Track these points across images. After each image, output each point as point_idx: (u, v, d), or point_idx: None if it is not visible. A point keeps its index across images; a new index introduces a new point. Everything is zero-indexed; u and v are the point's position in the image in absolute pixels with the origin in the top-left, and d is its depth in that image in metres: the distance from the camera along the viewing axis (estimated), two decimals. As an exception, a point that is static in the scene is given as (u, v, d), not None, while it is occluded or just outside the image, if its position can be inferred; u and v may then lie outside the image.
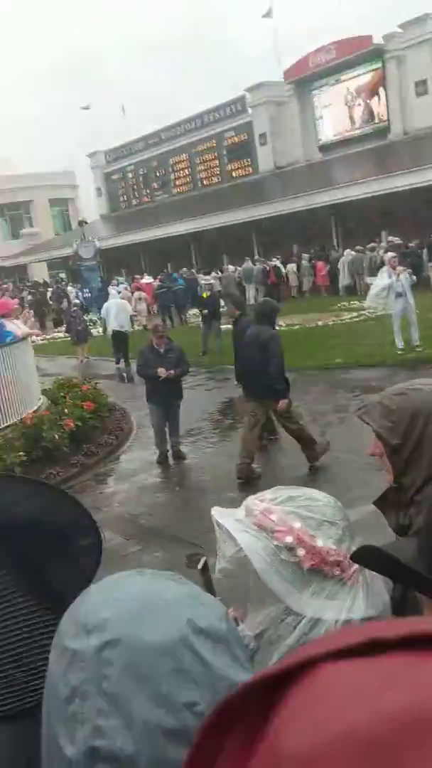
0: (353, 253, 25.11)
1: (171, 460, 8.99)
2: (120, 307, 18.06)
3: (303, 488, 1.63)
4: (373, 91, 31.98)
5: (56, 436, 9.09)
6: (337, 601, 1.52)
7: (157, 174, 44.89)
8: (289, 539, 1.50)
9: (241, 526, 1.54)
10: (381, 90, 31.46)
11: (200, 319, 17.81)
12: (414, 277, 14.35)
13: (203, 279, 20.10)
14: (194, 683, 0.68)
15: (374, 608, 1.57)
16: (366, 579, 1.58)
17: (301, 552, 1.50)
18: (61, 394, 11.20)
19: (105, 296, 29.18)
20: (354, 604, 1.54)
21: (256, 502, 1.59)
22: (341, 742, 0.33)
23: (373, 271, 21.89)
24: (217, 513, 1.60)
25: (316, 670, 0.38)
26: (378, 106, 31.98)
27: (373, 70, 31.59)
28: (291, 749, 0.35)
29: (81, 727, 0.68)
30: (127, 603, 0.73)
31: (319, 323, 19.29)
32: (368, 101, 32.38)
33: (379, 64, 31.12)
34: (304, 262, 27.86)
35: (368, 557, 1.22)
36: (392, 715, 0.33)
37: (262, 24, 63.09)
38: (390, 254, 18.39)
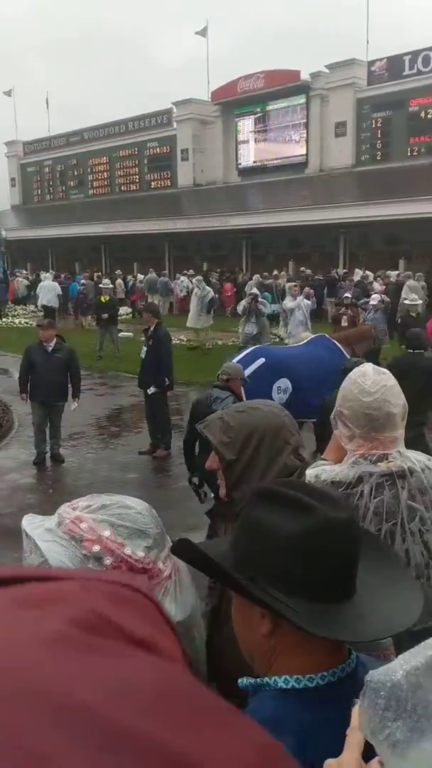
0: (260, 278, 25.66)
1: (48, 462, 8.80)
2: (50, 288, 22.74)
3: (118, 496, 1.63)
4: (295, 126, 33.01)
5: None
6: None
7: (75, 173, 44.32)
8: (96, 548, 1.49)
9: (49, 535, 1.52)
10: (303, 125, 32.51)
11: (96, 323, 17.66)
12: (314, 301, 15.04)
13: (102, 283, 19.91)
14: None
15: (183, 612, 1.60)
16: (176, 584, 1.61)
17: (108, 560, 1.50)
18: None
19: (6, 288, 28.50)
20: (165, 610, 1.56)
21: (69, 510, 1.57)
22: None
23: (275, 298, 22.48)
24: (27, 522, 1.56)
25: None
26: (298, 140, 33.02)
27: (297, 104, 32.62)
28: None
29: None
30: None
31: (219, 342, 19.51)
32: (290, 134, 33.38)
33: (304, 100, 32.18)
34: (213, 281, 28.16)
35: (182, 550, 1.27)
36: None
37: (195, 41, 63.77)
38: (291, 283, 19.00)
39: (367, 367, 2.30)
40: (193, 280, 21.20)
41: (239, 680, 1.17)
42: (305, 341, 8.71)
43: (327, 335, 8.90)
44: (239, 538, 1.18)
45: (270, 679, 1.11)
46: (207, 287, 19.19)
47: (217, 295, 26.95)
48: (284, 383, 7.52)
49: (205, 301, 18.29)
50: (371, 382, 2.19)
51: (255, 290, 16.31)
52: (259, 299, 14.95)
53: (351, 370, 2.38)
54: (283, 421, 1.77)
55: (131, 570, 1.51)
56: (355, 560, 1.12)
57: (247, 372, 6.93)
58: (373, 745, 0.64)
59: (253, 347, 8.68)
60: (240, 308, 14.75)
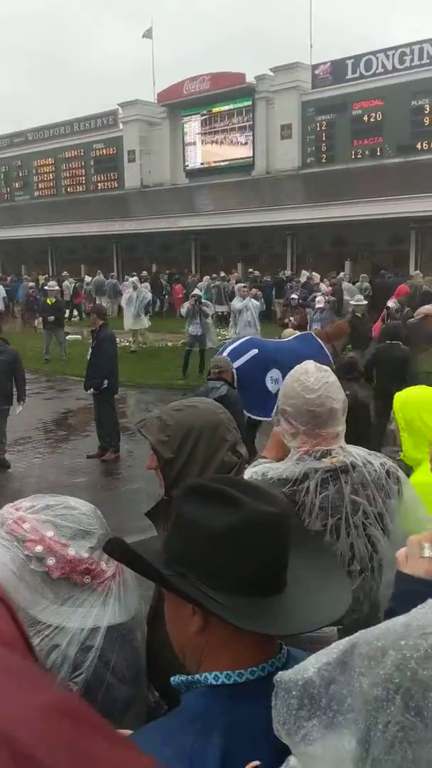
0: (209, 279, 25.73)
1: (-6, 467, 8.63)
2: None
3: (62, 497, 1.63)
4: (241, 128, 33.21)
5: None
6: (84, 608, 1.51)
7: (20, 174, 43.62)
8: (38, 548, 1.48)
9: None
10: (249, 127, 32.73)
11: (43, 326, 17.42)
12: (263, 303, 15.13)
13: (48, 285, 19.65)
14: None
15: (126, 614, 1.58)
16: (120, 586, 1.59)
17: (50, 561, 1.49)
18: None
19: None
20: (104, 611, 1.54)
21: (11, 510, 1.55)
22: None
23: (223, 300, 22.56)
24: None
25: None
26: (245, 142, 33.23)
27: (243, 107, 32.83)
28: None
29: None
30: None
31: (169, 344, 19.48)
32: (236, 136, 33.56)
33: (249, 103, 32.41)
34: (163, 282, 28.10)
35: (112, 548, 1.27)
36: None
37: (141, 43, 63.59)
38: (240, 284, 19.12)
39: (309, 365, 2.32)
40: (128, 281, 21.01)
41: (171, 678, 1.16)
42: (293, 337, 9.11)
43: (313, 333, 9.33)
44: (170, 535, 1.17)
45: (201, 675, 1.11)
46: (143, 289, 19.14)
47: (166, 296, 27.00)
48: (276, 374, 7.80)
49: (143, 303, 18.27)
50: (314, 379, 2.21)
51: (197, 291, 16.37)
52: (203, 300, 15.07)
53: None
54: (221, 419, 1.77)
55: (73, 571, 1.49)
56: (284, 555, 1.13)
57: (241, 360, 7.48)
58: (290, 747, 0.63)
59: (246, 338, 8.93)
60: (183, 310, 14.76)
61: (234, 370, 7.02)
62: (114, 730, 0.86)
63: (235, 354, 7.71)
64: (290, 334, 9.64)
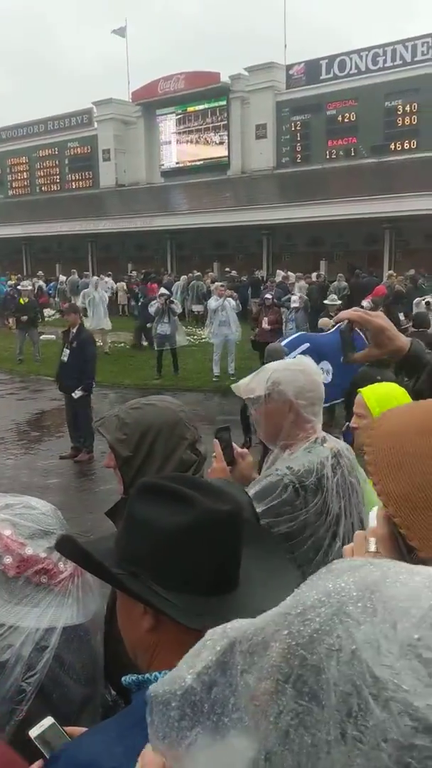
0: (186, 279, 25.71)
1: (-34, 469, 8.54)
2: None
3: (24, 496, 1.62)
4: (216, 127, 33.22)
5: None
6: (40, 608, 1.50)
7: (-6, 172, 43.23)
8: None
9: None
10: (224, 127, 32.76)
11: (16, 325, 17.27)
12: (240, 304, 15.15)
13: (21, 285, 19.47)
14: None
15: (85, 615, 1.57)
16: (79, 587, 1.58)
17: (7, 560, 1.48)
18: None
19: None
20: (61, 611, 1.53)
21: None
22: None
23: (199, 299, 22.57)
24: None
25: None
26: (220, 141, 33.25)
27: (218, 106, 32.84)
28: None
29: None
30: None
31: (144, 343, 19.43)
32: (211, 136, 33.57)
33: (224, 102, 32.43)
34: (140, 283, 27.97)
35: (63, 547, 1.27)
36: None
37: (116, 42, 63.31)
38: (217, 283, 19.12)
39: (305, 359, 2.48)
40: (91, 280, 20.83)
41: (123, 678, 1.15)
42: (333, 329, 9.38)
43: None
44: (123, 533, 1.17)
45: (151, 675, 1.10)
46: (101, 290, 19.00)
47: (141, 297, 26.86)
48: (326, 365, 8.15)
49: (105, 303, 18.18)
50: (315, 370, 2.40)
51: (164, 290, 16.35)
52: (172, 299, 15.08)
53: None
54: (179, 417, 1.76)
55: (30, 570, 1.49)
56: (237, 554, 1.12)
57: (296, 353, 7.66)
58: (170, 757, 0.61)
59: (300, 333, 9.63)
60: (152, 309, 14.71)
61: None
62: None
63: (290, 346, 8.30)
64: (326, 324, 10.13)
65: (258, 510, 2.09)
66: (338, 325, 1.91)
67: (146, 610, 1.10)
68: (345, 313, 1.61)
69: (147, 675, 1.11)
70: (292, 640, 0.54)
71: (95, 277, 20.76)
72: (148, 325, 17.75)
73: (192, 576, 1.08)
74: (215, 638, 0.60)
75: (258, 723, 0.53)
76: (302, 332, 10.02)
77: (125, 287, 26.74)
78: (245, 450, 1.84)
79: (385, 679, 0.48)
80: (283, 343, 8.57)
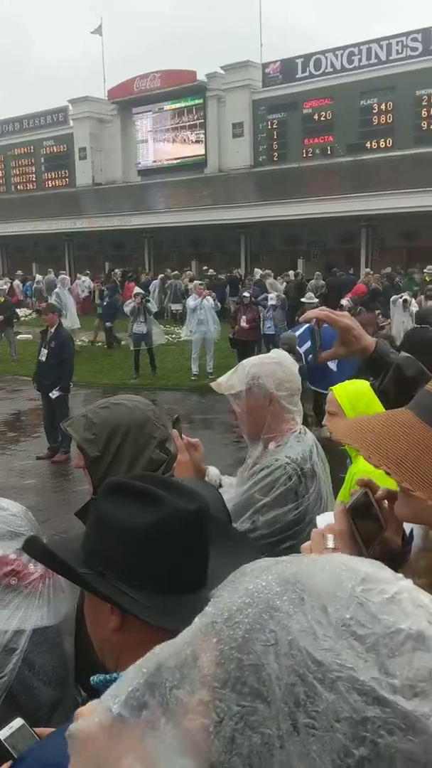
0: (159, 280, 25.62)
1: None
2: None
3: None
4: (192, 126, 33.17)
5: None
6: (8, 611, 1.49)
7: (-32, 171, 42.72)
8: None
9: None
10: (200, 125, 32.72)
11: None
12: (218, 303, 15.14)
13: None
14: None
15: (55, 617, 1.57)
16: (50, 588, 1.57)
17: (-25, 560, 1.46)
18: None
19: None
20: (30, 613, 1.52)
21: None
22: None
23: (178, 298, 22.52)
24: None
25: None
26: (196, 140, 33.20)
27: (194, 105, 32.79)
28: None
29: None
30: None
31: (123, 342, 19.36)
32: (188, 134, 33.51)
33: (201, 101, 32.38)
34: (117, 281, 27.81)
35: (30, 548, 1.26)
36: None
37: (91, 40, 62.95)
38: (196, 282, 19.10)
39: (281, 352, 2.57)
40: (59, 278, 20.66)
41: (91, 678, 1.15)
42: (304, 329, 9.91)
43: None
44: (89, 533, 1.16)
45: (118, 674, 1.10)
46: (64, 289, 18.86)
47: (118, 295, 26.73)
48: None
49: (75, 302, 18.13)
50: (291, 362, 2.47)
51: (138, 289, 16.31)
52: (147, 298, 15.04)
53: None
54: (148, 416, 1.76)
55: None
56: (203, 551, 1.12)
57: (307, 344, 8.47)
58: None
59: (308, 325, 9.75)
60: (128, 309, 14.65)
61: (301, 351, 8.54)
62: None
63: (302, 339, 8.93)
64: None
65: (265, 501, 2.17)
66: (307, 325, 1.95)
67: (113, 610, 1.10)
68: (312, 313, 1.63)
69: (115, 674, 1.11)
70: (225, 646, 0.54)
71: (62, 276, 20.58)
72: (108, 324, 17.78)
73: (159, 575, 1.08)
74: (140, 664, 0.60)
75: (196, 739, 0.52)
76: (309, 325, 10.35)
77: (118, 288, 26.60)
78: (197, 440, 1.84)
79: (328, 662, 0.50)
80: (296, 333, 9.34)
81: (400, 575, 0.57)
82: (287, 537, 2.18)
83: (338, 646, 0.51)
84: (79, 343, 17.52)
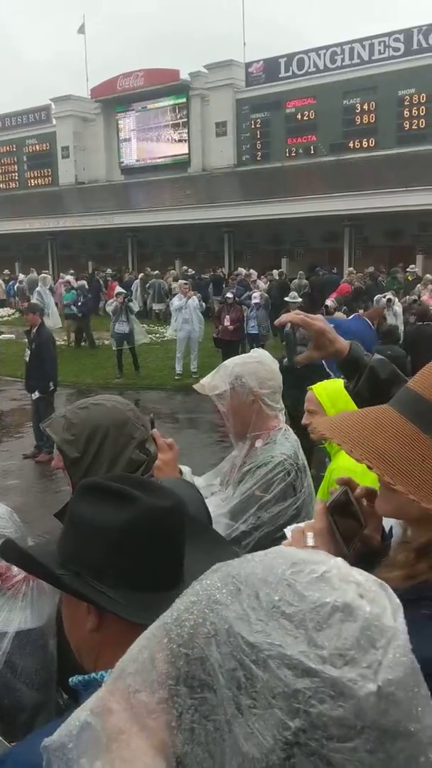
0: (139, 280, 25.53)
1: None
2: None
3: None
4: (176, 125, 33.12)
5: None
6: (-10, 614, 1.48)
7: None
8: None
9: None
10: (184, 124, 32.67)
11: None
12: (203, 303, 15.12)
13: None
14: None
15: (39, 619, 1.56)
16: (34, 590, 1.57)
17: (-42, 563, 1.46)
18: None
19: None
20: (13, 615, 1.52)
21: None
22: None
23: (162, 297, 22.46)
24: None
25: None
26: (179, 139, 33.15)
27: (178, 104, 32.73)
28: None
29: None
30: None
31: (106, 342, 19.29)
32: (171, 133, 33.45)
33: (184, 100, 32.33)
34: (100, 280, 27.71)
35: (6, 551, 1.25)
36: None
37: (74, 39, 62.64)
38: (181, 281, 19.08)
39: (261, 351, 2.61)
40: (40, 276, 20.58)
41: (69, 679, 1.15)
42: (351, 317, 10.21)
43: (360, 314, 10.52)
44: (65, 534, 1.16)
45: (97, 674, 1.10)
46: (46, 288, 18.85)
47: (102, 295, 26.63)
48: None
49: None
50: (271, 360, 2.51)
51: (120, 289, 16.28)
52: (129, 298, 15.03)
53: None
54: (127, 416, 1.76)
55: None
56: (179, 548, 1.13)
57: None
58: None
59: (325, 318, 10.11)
60: (110, 308, 14.62)
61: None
62: None
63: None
64: (339, 316, 11.11)
65: (267, 497, 2.19)
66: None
67: (90, 610, 1.10)
68: (287, 317, 1.64)
69: (93, 675, 1.11)
70: (173, 644, 0.57)
71: (43, 275, 20.50)
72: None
73: (134, 573, 1.08)
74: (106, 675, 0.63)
75: (162, 736, 0.55)
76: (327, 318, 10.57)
77: (86, 285, 26.45)
78: (171, 440, 1.85)
79: (260, 642, 0.53)
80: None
81: (335, 557, 0.59)
82: None
83: (269, 627, 0.54)
84: (61, 342, 17.46)
